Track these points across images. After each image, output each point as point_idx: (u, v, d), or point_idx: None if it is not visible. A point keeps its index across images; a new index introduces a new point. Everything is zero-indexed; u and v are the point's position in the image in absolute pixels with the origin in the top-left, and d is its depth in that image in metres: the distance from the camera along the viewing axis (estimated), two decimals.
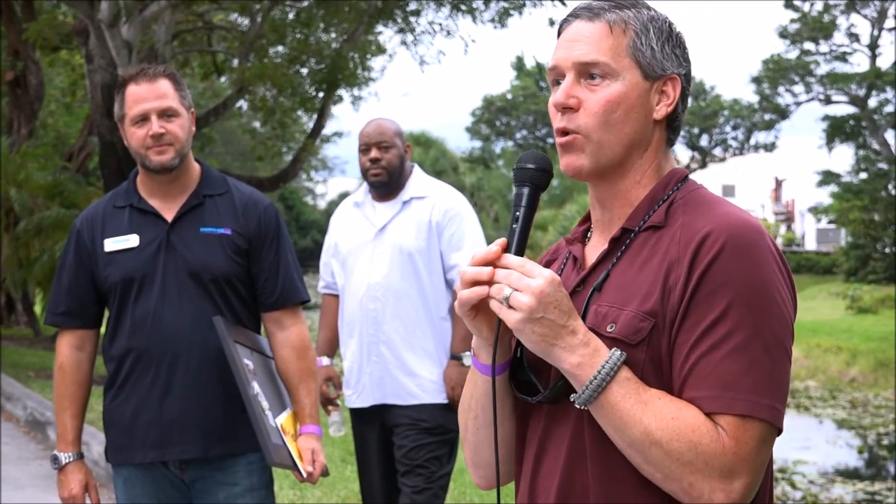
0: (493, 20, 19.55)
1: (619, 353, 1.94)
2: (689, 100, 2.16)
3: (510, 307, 1.95)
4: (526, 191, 2.08)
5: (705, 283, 1.92)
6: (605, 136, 2.06)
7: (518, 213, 2.07)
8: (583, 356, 1.94)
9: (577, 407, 1.97)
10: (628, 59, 2.06)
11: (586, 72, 2.07)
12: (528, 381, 2.10)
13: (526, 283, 1.93)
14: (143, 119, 3.91)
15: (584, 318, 2.03)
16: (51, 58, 22.83)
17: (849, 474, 15.01)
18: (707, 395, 1.89)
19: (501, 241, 2.03)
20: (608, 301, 2.02)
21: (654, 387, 1.94)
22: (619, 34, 2.07)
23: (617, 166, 2.09)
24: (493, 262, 1.99)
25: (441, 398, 5.10)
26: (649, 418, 1.89)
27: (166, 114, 3.92)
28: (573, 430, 2.04)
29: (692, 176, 2.16)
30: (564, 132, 2.09)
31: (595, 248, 2.16)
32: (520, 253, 2.03)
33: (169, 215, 3.98)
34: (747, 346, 1.89)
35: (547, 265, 2.26)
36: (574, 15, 2.13)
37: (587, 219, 2.24)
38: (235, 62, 20.58)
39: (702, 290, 1.92)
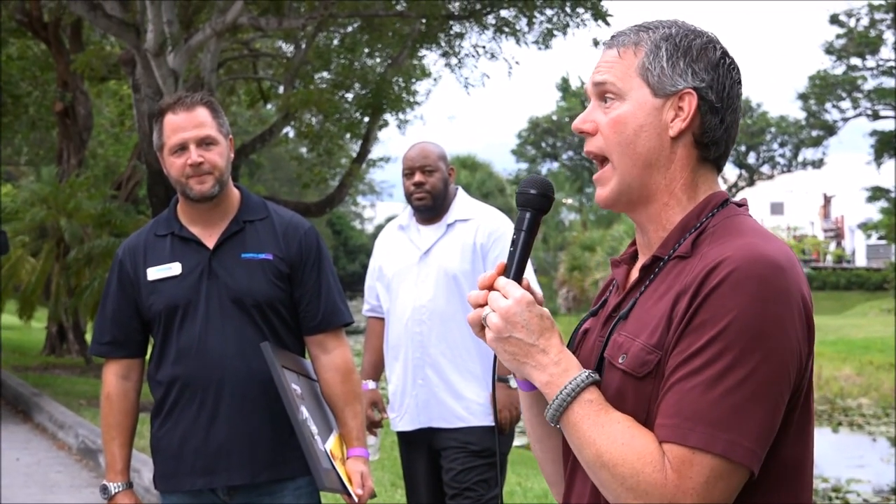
0: (536, 41, 19.54)
1: (587, 374, 1.97)
2: (738, 122, 2.11)
3: (487, 327, 2.04)
4: (527, 215, 2.12)
5: (700, 314, 1.89)
6: (619, 157, 2.07)
7: (517, 237, 2.12)
8: (552, 375, 1.98)
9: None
10: (637, 78, 2.06)
11: (602, 94, 2.09)
12: None
13: (499, 304, 2.02)
14: (182, 148, 3.92)
15: (605, 345, 2.05)
16: (98, 88, 23.09)
17: None
18: (666, 423, 1.87)
19: (501, 263, 2.10)
20: (627, 331, 2.02)
21: None
22: (630, 56, 2.07)
23: (639, 188, 2.07)
24: (490, 285, 2.07)
25: (488, 421, 5.08)
26: (602, 441, 1.90)
27: (205, 142, 3.92)
28: None
29: (743, 194, 2.12)
30: (588, 156, 2.12)
31: (637, 273, 2.15)
32: (518, 275, 2.08)
33: (210, 242, 3.99)
34: (722, 379, 1.84)
35: (607, 287, 2.27)
36: (605, 42, 2.16)
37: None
38: (281, 89, 20.70)
39: (696, 320, 1.89)
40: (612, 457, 1.88)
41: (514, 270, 2.09)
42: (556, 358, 1.99)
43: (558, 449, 2.23)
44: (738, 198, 2.12)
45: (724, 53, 2.08)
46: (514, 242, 2.12)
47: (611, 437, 1.90)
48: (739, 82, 2.09)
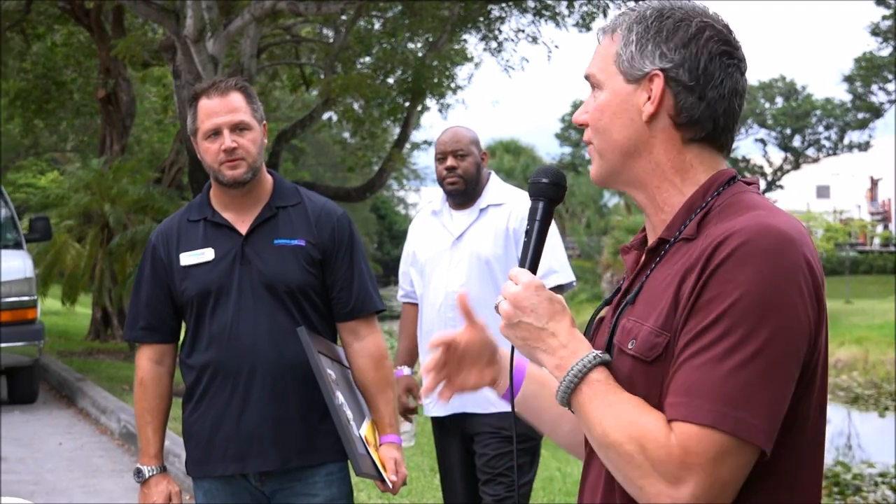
0: (577, 24, 19.46)
1: (594, 355, 1.97)
2: (736, 95, 2.04)
3: (500, 315, 2.08)
4: (540, 205, 2.14)
5: (708, 290, 1.86)
6: (600, 144, 2.09)
7: (530, 227, 2.14)
8: (561, 358, 1.99)
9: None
10: (613, 66, 2.06)
11: (591, 86, 2.11)
12: None
13: (508, 290, 2.06)
14: (216, 133, 3.92)
15: (613, 331, 2.04)
16: (143, 74, 23.21)
17: None
18: (674, 402, 1.86)
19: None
20: (635, 315, 2.00)
21: None
22: (609, 43, 2.08)
23: (624, 173, 2.08)
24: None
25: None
26: (609, 420, 1.90)
27: (238, 127, 3.92)
28: None
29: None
30: (587, 144, 2.14)
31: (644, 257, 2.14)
32: (534, 264, 2.11)
33: (243, 228, 4.00)
34: (731, 355, 1.82)
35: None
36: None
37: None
38: (322, 74, 20.73)
39: (703, 297, 1.87)
40: (619, 435, 1.88)
41: (529, 260, 2.12)
42: (566, 341, 2.00)
43: (570, 436, 2.26)
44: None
45: (704, 27, 2.03)
46: (527, 233, 2.14)
47: (618, 415, 1.90)
48: (724, 54, 2.02)
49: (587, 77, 2.11)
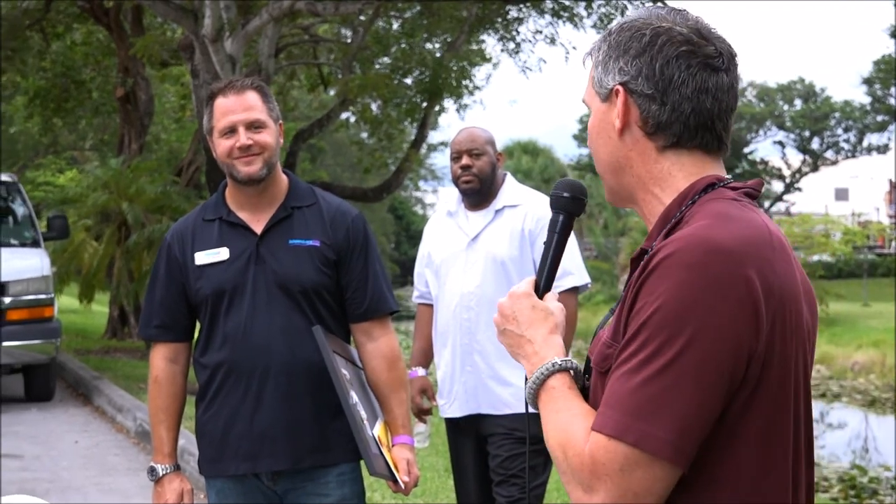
0: (594, 25, 19.44)
1: (552, 363, 2.02)
2: (705, 93, 2.00)
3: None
4: (560, 218, 2.20)
5: (637, 302, 1.89)
6: (597, 166, 2.14)
7: (548, 240, 2.19)
8: (532, 364, 2.05)
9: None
10: (592, 88, 2.11)
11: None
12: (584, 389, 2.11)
13: (500, 301, 2.14)
14: (231, 131, 3.93)
15: (591, 343, 2.11)
16: (162, 73, 23.27)
17: None
18: (598, 412, 1.89)
19: None
20: (607, 327, 2.04)
21: None
22: (590, 67, 2.12)
23: (619, 190, 2.12)
24: None
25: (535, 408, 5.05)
26: (550, 426, 1.97)
27: (254, 126, 3.93)
28: None
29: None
30: None
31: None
32: (550, 276, 2.16)
33: (258, 228, 4.00)
34: (644, 367, 1.82)
35: None
36: None
37: None
38: (340, 74, 20.76)
39: (634, 309, 1.89)
40: (553, 441, 1.95)
41: (546, 270, 2.17)
42: (538, 348, 2.07)
43: None
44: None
45: (657, 33, 2.01)
46: (546, 244, 2.19)
47: (556, 422, 1.96)
48: (682, 55, 1.99)
49: (584, 103, 2.15)
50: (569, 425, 1.92)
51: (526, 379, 2.05)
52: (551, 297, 2.13)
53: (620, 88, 2.03)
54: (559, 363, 2.01)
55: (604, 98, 2.07)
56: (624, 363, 1.86)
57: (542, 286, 2.15)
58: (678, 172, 2.03)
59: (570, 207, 2.20)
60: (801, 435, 1.97)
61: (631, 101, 2.02)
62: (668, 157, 2.03)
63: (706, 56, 2.00)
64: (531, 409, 2.06)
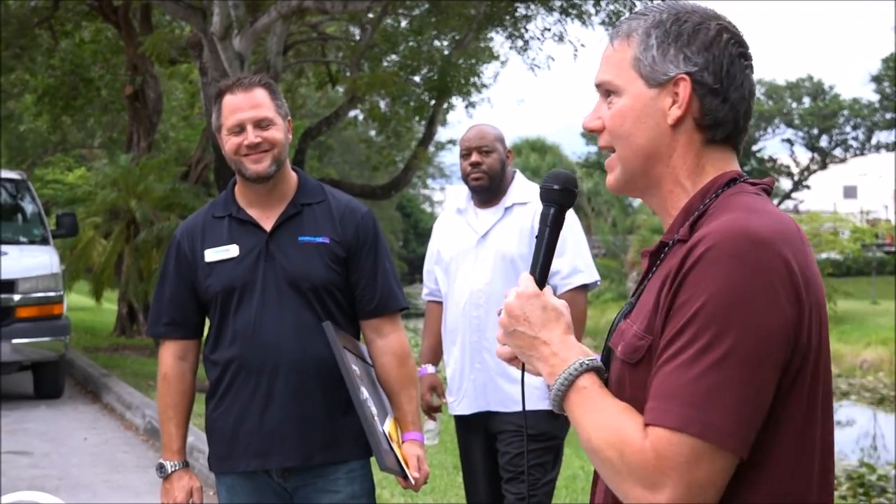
0: (603, 23, 19.41)
1: (580, 362, 1.99)
2: (752, 96, 2.06)
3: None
4: (551, 211, 2.16)
5: (680, 295, 1.88)
6: (622, 150, 2.09)
7: (540, 233, 2.17)
8: (552, 366, 2.02)
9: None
10: (632, 71, 2.06)
11: (605, 92, 2.11)
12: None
13: (505, 300, 2.10)
14: (240, 128, 3.93)
15: (609, 334, 2.09)
16: (171, 71, 23.28)
17: None
18: (650, 406, 1.87)
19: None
20: (631, 318, 2.03)
21: None
22: (624, 49, 2.08)
23: (642, 177, 2.09)
24: None
25: (544, 405, 5.05)
26: (592, 426, 1.93)
27: (262, 123, 3.93)
28: None
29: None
30: (603, 150, 2.14)
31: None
32: (544, 270, 2.13)
33: (267, 225, 4.00)
34: (699, 359, 1.82)
35: None
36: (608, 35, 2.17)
37: None
38: (349, 72, 20.76)
39: (676, 302, 1.88)
40: (599, 441, 1.91)
41: (540, 264, 2.14)
42: (557, 349, 2.03)
43: None
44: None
45: (721, 30, 2.04)
46: (538, 237, 2.16)
47: (599, 422, 1.92)
48: (742, 55, 2.05)
49: (600, 84, 2.11)
50: (618, 422, 1.90)
51: (548, 385, 2.01)
52: (549, 293, 2.11)
53: (687, 78, 2.02)
54: (587, 363, 1.99)
55: (655, 84, 2.04)
56: (675, 357, 1.85)
57: (537, 281, 2.13)
58: (710, 167, 2.06)
59: (560, 200, 2.17)
60: (828, 421, 2.00)
61: (693, 93, 2.02)
62: (707, 152, 2.05)
63: (751, 58, 2.06)
64: (557, 411, 2.02)
